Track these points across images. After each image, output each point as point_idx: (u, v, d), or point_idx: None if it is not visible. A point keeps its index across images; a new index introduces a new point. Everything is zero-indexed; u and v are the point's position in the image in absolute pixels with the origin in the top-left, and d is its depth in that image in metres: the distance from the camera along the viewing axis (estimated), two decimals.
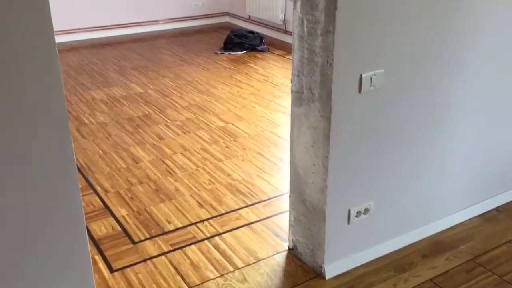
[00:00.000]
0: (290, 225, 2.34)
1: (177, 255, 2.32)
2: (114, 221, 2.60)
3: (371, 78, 1.97)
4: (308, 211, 2.20)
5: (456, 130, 2.35)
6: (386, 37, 1.96)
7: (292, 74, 2.09)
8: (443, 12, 2.08)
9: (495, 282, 2.15)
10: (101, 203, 2.76)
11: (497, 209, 2.66)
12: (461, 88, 2.28)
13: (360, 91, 1.97)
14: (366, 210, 2.20)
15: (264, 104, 4.14)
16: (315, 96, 1.98)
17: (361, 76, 1.95)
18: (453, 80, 2.23)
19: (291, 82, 2.11)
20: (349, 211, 2.15)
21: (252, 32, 5.65)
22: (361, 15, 1.87)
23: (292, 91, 2.12)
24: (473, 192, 2.57)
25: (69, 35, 5.74)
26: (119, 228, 2.54)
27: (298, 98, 2.09)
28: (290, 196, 2.30)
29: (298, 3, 1.94)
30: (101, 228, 2.54)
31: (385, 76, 2.00)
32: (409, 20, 2.00)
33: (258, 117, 3.91)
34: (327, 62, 1.88)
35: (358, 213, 2.18)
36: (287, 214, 2.53)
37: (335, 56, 1.85)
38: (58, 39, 5.67)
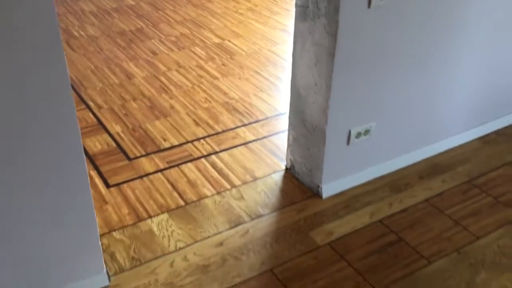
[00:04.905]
0: (289, 145, 2.31)
1: (173, 173, 2.31)
2: (109, 137, 2.56)
3: None
4: (307, 131, 2.15)
5: (460, 53, 2.26)
6: None
7: None
8: None
9: (490, 203, 2.17)
10: (94, 119, 2.70)
11: (496, 132, 2.64)
12: (475, 8, 2.16)
13: (369, 5, 1.85)
14: (367, 131, 2.16)
15: (262, 21, 3.97)
16: (321, 11, 1.87)
17: None
18: None
19: None
20: (350, 132, 2.12)
21: None
22: None
23: (296, 4, 1.99)
24: (474, 115, 2.53)
25: None
26: (114, 145, 2.50)
27: (302, 12, 1.96)
28: (289, 117, 2.25)
29: None
30: (95, 144, 2.50)
31: None
32: None
33: (256, 34, 3.75)
34: None
35: (358, 134, 2.15)
36: (285, 134, 2.49)
37: None
38: None
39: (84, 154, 1.52)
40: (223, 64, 3.30)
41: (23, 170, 1.43)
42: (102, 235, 1.93)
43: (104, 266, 1.75)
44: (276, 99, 2.95)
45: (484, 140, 2.58)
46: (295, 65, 2.10)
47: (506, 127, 2.68)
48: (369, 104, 2.11)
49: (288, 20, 3.95)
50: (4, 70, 1.29)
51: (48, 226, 1.55)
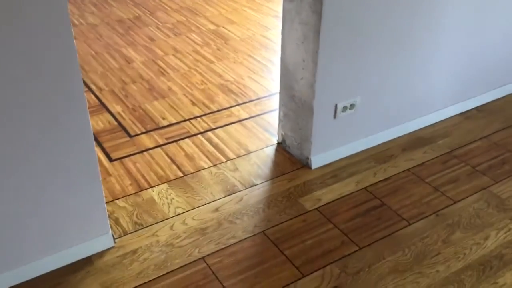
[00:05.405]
0: (280, 121, 2.46)
1: (172, 148, 2.46)
2: (110, 116, 2.70)
3: None
4: (297, 106, 2.30)
5: (441, 31, 2.40)
6: None
7: None
8: None
9: (468, 172, 2.33)
10: (96, 100, 2.84)
11: (477, 108, 2.79)
12: None
13: None
14: (352, 106, 2.31)
15: (255, 8, 4.10)
16: None
17: None
18: None
19: None
20: (336, 106, 2.26)
21: None
22: None
23: None
24: (455, 91, 2.68)
25: None
26: (116, 123, 2.65)
27: None
28: (280, 93, 2.39)
29: None
30: (98, 123, 2.65)
31: None
32: None
33: (249, 20, 3.89)
34: None
35: (344, 108, 2.29)
36: (277, 112, 2.64)
37: None
38: None
39: (90, 127, 1.67)
40: (218, 49, 3.45)
41: (39, 142, 1.57)
42: (106, 203, 2.07)
43: (110, 229, 1.90)
44: (268, 80, 3.09)
45: (465, 115, 2.74)
46: (284, 43, 2.25)
47: (486, 104, 2.83)
48: (354, 79, 2.25)
49: (280, 7, 4.07)
50: (22, 57, 1.43)
51: (59, 192, 1.70)
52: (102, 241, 1.88)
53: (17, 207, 1.64)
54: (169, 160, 2.37)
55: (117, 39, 3.54)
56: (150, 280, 1.77)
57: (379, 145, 2.49)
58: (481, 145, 2.51)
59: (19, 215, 1.65)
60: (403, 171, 2.32)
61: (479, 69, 2.70)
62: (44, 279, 1.76)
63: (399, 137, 2.55)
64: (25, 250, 1.72)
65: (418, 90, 2.51)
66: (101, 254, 1.86)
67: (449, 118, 2.71)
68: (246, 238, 1.96)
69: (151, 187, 2.20)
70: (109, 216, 2.01)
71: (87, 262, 1.83)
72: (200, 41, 3.54)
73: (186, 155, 2.41)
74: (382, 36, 2.21)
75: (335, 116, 2.29)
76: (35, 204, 1.67)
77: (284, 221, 2.04)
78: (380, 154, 2.43)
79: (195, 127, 2.63)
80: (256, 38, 3.62)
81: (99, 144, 2.47)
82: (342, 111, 2.29)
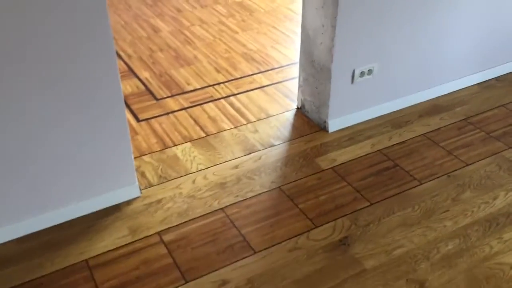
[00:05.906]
0: (299, 86, 2.55)
1: (196, 110, 2.58)
2: (138, 81, 2.84)
3: None
4: (316, 71, 2.38)
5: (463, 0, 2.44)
6: None
7: None
8: None
9: (482, 137, 2.38)
10: (125, 67, 2.99)
11: (496, 78, 2.82)
12: None
13: None
14: (370, 71, 2.38)
15: None
16: None
17: None
18: None
19: None
20: (354, 71, 2.33)
21: None
22: None
23: None
24: (475, 61, 2.71)
25: None
26: (143, 88, 2.79)
27: None
28: (300, 58, 2.48)
29: None
30: (126, 87, 2.79)
31: None
32: None
33: None
34: None
35: (362, 73, 2.36)
36: (297, 79, 2.73)
37: None
38: None
39: (121, 89, 1.80)
40: (243, 20, 3.54)
41: (77, 102, 1.71)
42: (134, 158, 2.22)
43: (137, 180, 2.05)
44: (290, 50, 3.17)
45: (484, 85, 2.77)
46: (304, 9, 2.32)
47: (506, 74, 2.85)
48: (372, 45, 2.32)
49: None
50: (61, 27, 1.56)
51: (93, 146, 1.84)
52: (129, 191, 2.02)
53: (57, 157, 1.79)
54: (192, 122, 2.49)
55: (146, 10, 3.66)
56: (173, 226, 1.91)
57: (396, 111, 2.56)
58: (497, 113, 2.55)
59: (58, 163, 1.81)
60: (418, 136, 2.39)
61: (500, 39, 2.72)
62: (78, 221, 1.92)
63: (416, 104, 2.61)
64: (62, 194, 1.88)
65: (437, 58, 2.56)
66: (128, 203, 2.01)
67: (467, 87, 2.74)
68: (263, 192, 2.08)
69: (175, 145, 2.33)
70: (136, 170, 2.15)
71: (116, 208, 1.98)
72: (225, 13, 3.63)
73: (209, 117, 2.53)
74: (402, 2, 2.26)
75: (352, 81, 2.36)
76: (73, 155, 1.82)
77: (300, 178, 2.14)
78: (396, 120, 2.50)
79: (218, 92, 2.74)
80: (281, 10, 3.69)
81: (128, 106, 2.61)
82: (360, 76, 2.36)
